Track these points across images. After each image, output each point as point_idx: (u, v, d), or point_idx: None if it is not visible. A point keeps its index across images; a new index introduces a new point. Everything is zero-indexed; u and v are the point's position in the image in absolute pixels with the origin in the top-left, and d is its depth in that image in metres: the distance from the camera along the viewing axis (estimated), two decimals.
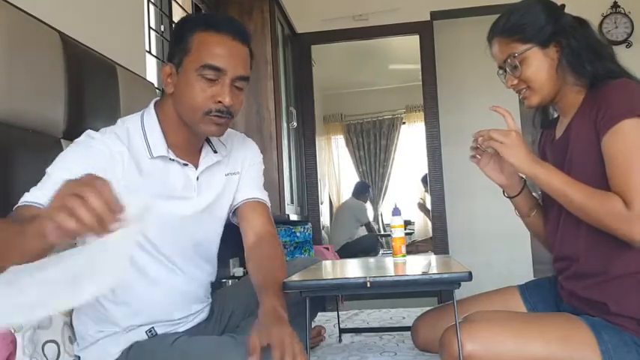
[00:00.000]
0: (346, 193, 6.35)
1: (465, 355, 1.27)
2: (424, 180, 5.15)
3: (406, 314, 2.34)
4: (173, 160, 1.35)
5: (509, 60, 1.44)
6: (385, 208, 6.50)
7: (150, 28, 2.64)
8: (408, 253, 1.86)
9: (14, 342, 1.19)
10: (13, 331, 1.19)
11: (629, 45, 3.99)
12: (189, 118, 1.31)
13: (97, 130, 1.35)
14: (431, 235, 4.53)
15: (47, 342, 1.25)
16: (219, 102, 1.26)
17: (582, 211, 1.32)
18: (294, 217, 3.55)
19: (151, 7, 2.69)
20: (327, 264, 1.82)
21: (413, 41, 4.09)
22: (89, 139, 1.30)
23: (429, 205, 4.66)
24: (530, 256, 4.32)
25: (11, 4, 1.40)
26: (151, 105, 1.40)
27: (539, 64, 1.42)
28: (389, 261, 1.80)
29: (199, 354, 1.22)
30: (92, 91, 1.72)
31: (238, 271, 3.03)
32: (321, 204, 4.50)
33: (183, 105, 1.30)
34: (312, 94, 4.21)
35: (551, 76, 1.43)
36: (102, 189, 0.81)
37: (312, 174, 4.18)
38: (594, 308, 1.37)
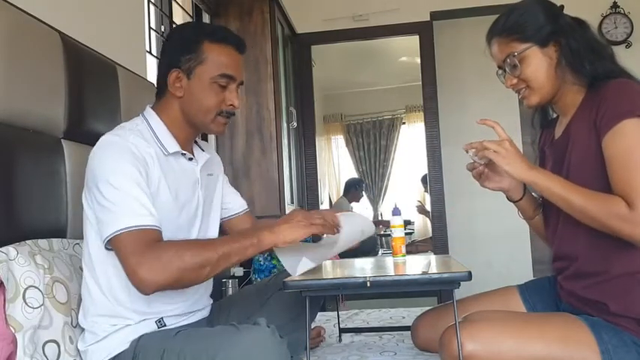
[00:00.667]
0: None
1: (464, 355, 1.27)
2: (424, 180, 5.14)
3: (406, 314, 2.34)
4: (184, 154, 1.46)
5: (508, 59, 1.44)
6: (385, 208, 6.49)
7: (150, 28, 2.64)
8: (408, 253, 1.86)
9: (15, 342, 1.19)
10: (13, 330, 1.19)
11: (628, 45, 3.99)
12: (200, 119, 1.44)
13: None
14: (431, 235, 4.53)
15: (47, 342, 1.26)
16: (230, 105, 1.44)
17: (584, 215, 1.31)
18: None
19: (151, 7, 2.69)
20: (327, 264, 1.82)
21: (413, 41, 4.09)
22: (124, 141, 1.34)
23: (428, 206, 4.66)
24: (530, 256, 4.33)
25: (11, 4, 1.40)
26: (149, 108, 1.48)
27: (538, 63, 1.43)
28: (389, 261, 1.80)
29: (203, 340, 1.24)
30: (92, 91, 1.72)
31: (238, 271, 3.04)
32: (321, 204, 4.50)
33: (196, 108, 1.43)
34: (312, 94, 4.21)
35: (550, 75, 1.43)
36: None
37: (312, 174, 4.18)
38: (594, 308, 1.38)
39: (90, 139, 1.64)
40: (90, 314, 1.34)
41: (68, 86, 1.58)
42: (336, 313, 2.17)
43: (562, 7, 1.49)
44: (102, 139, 1.36)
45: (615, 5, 4.01)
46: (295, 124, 3.78)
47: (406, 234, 1.94)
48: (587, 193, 1.31)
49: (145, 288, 1.22)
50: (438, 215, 4.06)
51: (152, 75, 2.67)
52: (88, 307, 1.35)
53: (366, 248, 5.37)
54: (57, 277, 1.33)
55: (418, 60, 4.08)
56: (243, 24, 3.31)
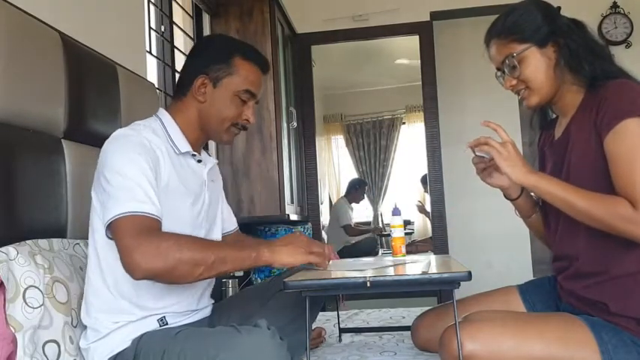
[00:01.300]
0: None
1: (464, 355, 1.27)
2: (423, 180, 5.14)
3: (406, 314, 2.34)
4: (194, 155, 1.50)
5: (507, 60, 1.45)
6: (385, 208, 6.49)
7: (150, 28, 2.64)
8: (408, 253, 1.86)
9: (15, 342, 1.19)
10: (13, 330, 1.19)
11: (628, 45, 3.99)
12: (215, 127, 1.50)
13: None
14: (431, 235, 4.53)
15: (48, 342, 1.26)
16: (246, 119, 1.52)
17: (588, 217, 1.31)
18: (294, 217, 3.55)
19: (151, 7, 2.68)
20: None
21: (413, 41, 4.09)
22: (137, 134, 1.37)
23: (428, 206, 4.66)
24: (530, 256, 4.32)
25: (11, 4, 1.40)
26: (162, 109, 1.52)
27: (537, 63, 1.43)
28: (389, 261, 1.80)
29: (203, 341, 1.24)
30: (92, 91, 1.72)
31: (239, 271, 3.04)
32: (321, 204, 4.50)
33: (215, 115, 1.49)
34: (312, 94, 4.21)
35: (549, 75, 1.43)
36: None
37: (312, 174, 4.17)
38: (594, 308, 1.38)
39: (90, 139, 1.65)
40: (93, 311, 1.35)
41: (68, 86, 1.58)
42: (336, 313, 2.17)
43: (559, 8, 1.49)
44: (115, 132, 1.39)
45: (615, 5, 4.01)
46: (295, 124, 3.77)
47: (406, 234, 1.93)
48: (589, 195, 1.31)
49: (135, 271, 1.22)
50: (438, 215, 4.06)
51: (152, 75, 2.67)
52: (92, 303, 1.35)
53: (366, 248, 5.37)
54: (57, 277, 1.33)
55: (418, 60, 4.08)
56: (243, 24, 3.31)
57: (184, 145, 1.47)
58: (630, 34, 4.00)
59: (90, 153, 1.61)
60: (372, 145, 6.64)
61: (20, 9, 1.43)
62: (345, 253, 5.07)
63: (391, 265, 1.57)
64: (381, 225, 6.32)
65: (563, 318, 1.39)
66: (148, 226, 1.26)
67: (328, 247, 1.58)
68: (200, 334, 1.28)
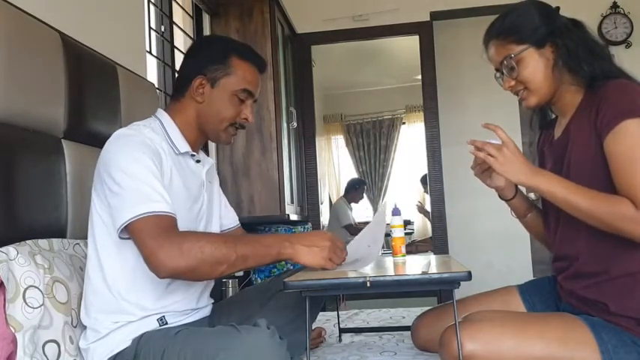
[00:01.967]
0: None
1: (464, 355, 1.27)
2: (423, 181, 5.14)
3: (406, 314, 2.34)
4: (193, 155, 1.51)
5: (505, 61, 1.44)
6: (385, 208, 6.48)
7: (150, 28, 2.64)
8: (408, 253, 1.86)
9: (15, 342, 1.19)
10: (13, 330, 1.19)
11: (628, 45, 3.99)
12: (213, 127, 1.51)
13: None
14: (430, 234, 4.53)
15: (48, 342, 1.26)
16: (244, 119, 1.52)
17: (590, 217, 1.31)
18: (294, 217, 3.55)
19: (151, 7, 2.69)
20: None
21: (413, 41, 4.09)
22: (139, 134, 1.38)
23: (428, 206, 4.66)
24: (530, 256, 4.32)
25: (11, 4, 1.40)
26: (160, 110, 1.52)
27: (535, 64, 1.43)
28: (389, 261, 1.80)
29: (203, 341, 1.25)
30: (92, 91, 1.72)
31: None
32: (321, 204, 4.49)
33: (213, 115, 1.49)
34: (312, 94, 4.21)
35: (547, 76, 1.43)
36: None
37: (312, 174, 4.17)
38: (594, 308, 1.38)
39: (90, 139, 1.65)
40: (93, 311, 1.35)
41: (68, 86, 1.58)
42: (336, 313, 2.17)
43: (558, 8, 1.49)
44: (116, 132, 1.39)
45: (615, 5, 4.01)
46: (295, 124, 3.77)
47: (406, 234, 1.93)
48: (591, 194, 1.31)
49: (160, 271, 1.25)
50: (438, 215, 4.06)
51: (152, 75, 2.67)
52: (91, 303, 1.35)
53: None
54: (57, 277, 1.33)
55: (418, 60, 4.08)
56: (243, 24, 3.31)
57: (183, 146, 1.47)
58: (630, 34, 4.00)
59: (90, 153, 1.61)
60: (372, 145, 6.64)
61: (20, 9, 1.43)
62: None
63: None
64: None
65: (564, 318, 1.39)
66: (167, 225, 1.28)
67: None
68: (200, 334, 1.28)
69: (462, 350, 1.27)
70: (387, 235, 1.85)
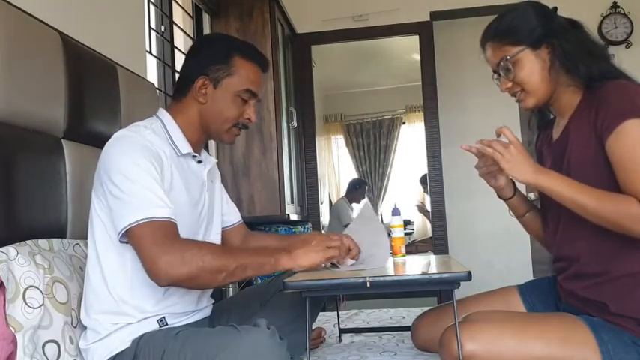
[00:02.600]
0: None
1: (464, 355, 1.27)
2: (422, 181, 5.13)
3: (406, 314, 2.34)
4: (195, 156, 1.50)
5: (501, 63, 1.44)
6: (385, 208, 6.49)
7: (150, 28, 2.64)
8: (408, 253, 1.86)
9: (15, 342, 1.19)
10: (13, 330, 1.19)
11: (628, 45, 3.99)
12: (216, 127, 1.50)
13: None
14: (430, 234, 4.53)
15: (48, 342, 1.26)
16: (247, 119, 1.52)
17: (596, 216, 1.31)
18: (294, 217, 3.55)
19: (151, 7, 2.69)
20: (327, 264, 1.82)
21: (413, 41, 4.09)
22: (139, 136, 1.37)
23: (428, 207, 4.65)
24: (530, 256, 4.32)
25: (11, 4, 1.40)
26: (162, 110, 1.51)
27: (531, 65, 1.42)
28: (389, 261, 1.79)
29: (203, 341, 1.25)
30: (92, 91, 1.72)
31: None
32: (321, 204, 4.50)
33: (216, 116, 1.48)
34: (312, 94, 4.21)
35: (544, 77, 1.43)
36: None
37: (312, 174, 4.17)
38: (594, 308, 1.38)
39: (90, 139, 1.65)
40: (93, 311, 1.35)
41: (68, 86, 1.58)
42: (336, 313, 2.17)
43: (555, 8, 1.49)
44: (117, 133, 1.39)
45: (615, 5, 4.01)
46: (295, 124, 3.77)
47: (406, 234, 1.93)
48: (597, 193, 1.30)
49: (161, 279, 1.25)
50: (438, 215, 4.06)
51: (152, 75, 2.67)
52: (92, 304, 1.35)
53: None
54: (57, 277, 1.33)
55: (418, 60, 4.08)
56: (243, 24, 3.31)
57: (185, 147, 1.46)
58: (630, 34, 4.00)
59: (90, 153, 1.61)
60: (372, 145, 6.63)
61: (20, 9, 1.43)
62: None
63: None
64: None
65: (564, 318, 1.39)
66: (168, 232, 1.27)
67: (347, 237, 1.57)
68: (200, 334, 1.28)
69: (462, 350, 1.27)
70: (388, 234, 1.84)
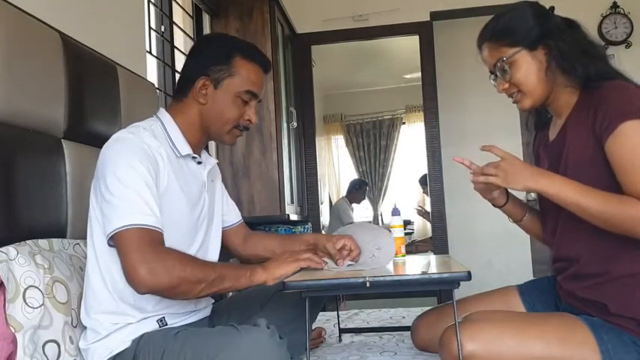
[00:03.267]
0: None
1: (464, 355, 1.27)
2: (422, 181, 5.13)
3: (406, 314, 2.34)
4: (194, 157, 1.49)
5: (498, 64, 1.44)
6: (385, 208, 6.49)
7: (150, 28, 2.64)
8: (408, 253, 1.86)
9: (15, 342, 1.19)
10: (13, 330, 1.19)
11: (628, 45, 3.99)
12: (217, 128, 1.49)
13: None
14: (430, 235, 4.52)
15: (48, 342, 1.26)
16: (248, 120, 1.51)
17: (600, 219, 1.30)
18: (294, 217, 3.55)
19: (151, 7, 2.69)
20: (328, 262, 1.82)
21: (413, 41, 4.09)
22: (137, 138, 1.36)
23: (428, 207, 4.65)
24: (530, 256, 4.32)
25: (11, 4, 1.40)
26: (162, 110, 1.51)
27: (527, 67, 1.42)
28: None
29: (203, 341, 1.25)
30: (92, 91, 1.72)
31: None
32: (321, 204, 4.50)
33: (217, 117, 1.48)
34: (312, 94, 4.21)
35: (540, 78, 1.42)
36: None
37: (312, 174, 4.17)
38: (593, 308, 1.38)
39: (90, 139, 1.65)
40: (92, 312, 1.35)
41: (68, 86, 1.58)
42: (336, 313, 2.17)
43: (552, 8, 1.48)
44: (115, 135, 1.38)
45: (615, 5, 4.01)
46: (295, 124, 3.78)
47: (406, 234, 1.94)
48: (601, 195, 1.30)
49: (140, 286, 1.24)
50: (437, 215, 4.06)
51: (152, 75, 2.67)
52: (91, 305, 1.35)
53: None
54: (57, 277, 1.33)
55: (418, 60, 4.08)
56: (243, 24, 3.31)
57: (185, 148, 1.46)
58: (630, 34, 4.00)
59: (90, 153, 1.61)
60: (372, 145, 6.63)
61: (20, 9, 1.43)
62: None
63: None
64: (381, 225, 6.31)
65: (564, 318, 1.38)
66: (152, 240, 1.27)
67: (349, 238, 1.61)
68: (200, 334, 1.28)
69: (462, 350, 1.27)
70: None
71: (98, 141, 1.45)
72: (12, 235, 1.30)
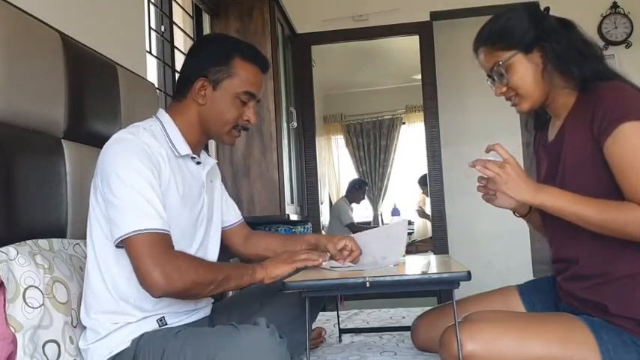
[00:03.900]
0: None
1: (464, 355, 1.27)
2: (421, 182, 5.13)
3: (406, 314, 2.34)
4: (194, 158, 1.49)
5: (495, 68, 1.44)
6: (385, 208, 6.49)
7: (150, 28, 2.64)
8: (408, 253, 1.86)
9: (15, 342, 1.19)
10: (13, 330, 1.19)
11: (628, 45, 3.99)
12: (216, 129, 1.50)
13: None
14: (430, 234, 4.52)
15: (48, 342, 1.26)
16: (247, 120, 1.51)
17: (601, 227, 1.30)
18: (294, 217, 3.55)
19: (151, 7, 2.69)
20: (327, 263, 1.82)
21: (413, 41, 4.09)
22: (138, 139, 1.37)
23: (428, 208, 4.65)
24: (530, 256, 4.32)
25: (11, 4, 1.40)
26: (162, 110, 1.51)
27: (524, 70, 1.41)
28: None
29: (203, 341, 1.25)
30: (92, 91, 1.72)
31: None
32: (321, 204, 4.50)
33: (216, 117, 1.48)
34: (312, 94, 4.21)
35: (537, 81, 1.42)
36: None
37: (312, 174, 4.17)
38: (593, 309, 1.37)
39: (90, 140, 1.65)
40: (92, 312, 1.35)
41: (68, 86, 1.58)
42: (336, 313, 2.17)
43: (547, 8, 1.47)
44: (115, 135, 1.38)
45: (615, 5, 4.01)
46: (295, 124, 3.78)
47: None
48: (599, 204, 1.29)
49: (156, 291, 1.26)
50: (438, 215, 4.06)
51: (152, 75, 2.67)
52: (91, 305, 1.35)
53: None
54: (57, 277, 1.33)
55: (418, 60, 4.08)
56: (243, 24, 3.31)
57: (184, 148, 1.46)
58: (630, 34, 3.99)
59: (90, 153, 1.61)
60: (372, 145, 6.64)
61: (20, 9, 1.43)
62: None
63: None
64: (381, 225, 6.31)
65: (563, 318, 1.38)
66: (164, 244, 1.28)
67: (350, 239, 1.65)
68: (199, 334, 1.28)
69: (462, 350, 1.27)
70: None
71: (98, 141, 1.45)
72: (12, 235, 1.30)
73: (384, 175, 6.61)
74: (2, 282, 1.22)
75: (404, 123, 6.60)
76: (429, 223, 5.23)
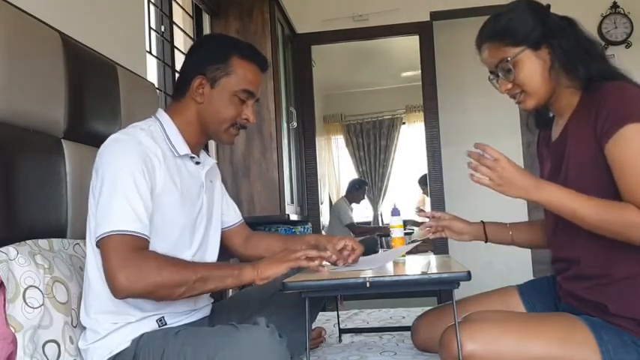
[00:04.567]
0: None
1: (464, 355, 1.27)
2: (421, 182, 5.12)
3: (406, 314, 2.34)
4: (192, 157, 1.49)
5: (501, 64, 1.42)
6: (385, 208, 6.49)
7: (150, 28, 2.64)
8: (408, 253, 1.86)
9: (15, 342, 1.19)
10: (13, 330, 1.19)
11: (628, 45, 3.99)
12: (214, 127, 1.49)
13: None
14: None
15: (48, 342, 1.26)
16: (245, 119, 1.50)
17: (597, 227, 1.30)
18: (294, 217, 3.55)
19: (151, 7, 2.69)
20: (327, 264, 1.82)
21: (413, 41, 4.09)
22: (133, 140, 1.36)
23: (427, 208, 4.65)
24: (530, 256, 4.32)
25: (11, 4, 1.40)
26: (161, 110, 1.51)
27: (532, 66, 1.40)
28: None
29: (203, 340, 1.25)
30: (92, 91, 1.72)
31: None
32: (321, 204, 4.49)
33: (214, 116, 1.47)
34: (312, 94, 4.21)
35: (544, 78, 1.41)
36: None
37: (312, 174, 4.17)
38: (593, 309, 1.37)
39: (90, 140, 1.65)
40: (92, 311, 1.35)
41: (68, 86, 1.58)
42: (336, 313, 2.17)
43: (548, 6, 1.46)
44: (112, 136, 1.38)
45: (615, 5, 4.01)
46: (295, 124, 3.78)
47: (406, 234, 1.93)
48: (597, 203, 1.29)
49: (119, 292, 1.24)
50: None
51: (152, 75, 2.67)
52: (91, 304, 1.35)
53: (368, 247, 5.34)
54: (57, 277, 1.33)
55: (418, 60, 4.08)
56: (243, 24, 3.31)
57: (183, 148, 1.45)
58: (630, 34, 3.99)
59: (90, 153, 1.60)
60: (372, 145, 6.64)
61: (20, 9, 1.43)
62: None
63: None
64: (381, 225, 6.31)
65: (564, 318, 1.38)
66: (133, 246, 1.26)
67: (350, 239, 1.62)
68: (199, 334, 1.28)
69: (462, 350, 1.26)
70: (387, 235, 1.85)
71: (98, 141, 1.45)
72: (12, 235, 1.30)
73: (384, 175, 6.61)
74: (2, 282, 1.22)
75: (404, 123, 6.60)
76: None
